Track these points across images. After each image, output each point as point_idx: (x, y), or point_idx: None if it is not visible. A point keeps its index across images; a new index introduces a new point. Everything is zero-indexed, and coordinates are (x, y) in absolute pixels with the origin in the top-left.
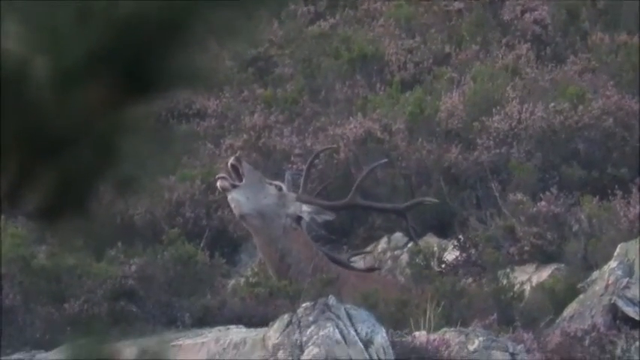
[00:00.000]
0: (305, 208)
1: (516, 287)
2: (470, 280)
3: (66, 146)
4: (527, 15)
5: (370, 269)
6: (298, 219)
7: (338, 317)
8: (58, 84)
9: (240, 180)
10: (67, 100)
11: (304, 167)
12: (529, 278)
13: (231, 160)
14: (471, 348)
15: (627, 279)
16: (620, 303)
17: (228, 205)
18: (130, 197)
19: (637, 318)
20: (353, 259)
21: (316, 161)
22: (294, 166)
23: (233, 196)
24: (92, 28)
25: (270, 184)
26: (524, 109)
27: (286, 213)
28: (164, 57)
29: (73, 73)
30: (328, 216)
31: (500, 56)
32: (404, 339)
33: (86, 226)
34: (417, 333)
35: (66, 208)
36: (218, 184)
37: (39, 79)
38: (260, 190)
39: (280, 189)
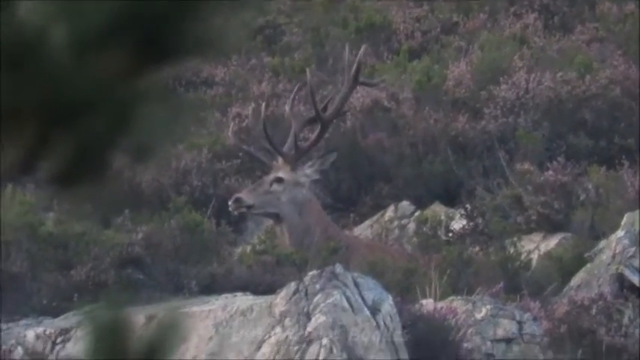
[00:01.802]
0: (307, 171)
1: (523, 256)
2: (477, 248)
3: (82, 113)
4: None
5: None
6: (306, 182)
7: (345, 285)
8: (75, 52)
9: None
10: (84, 68)
11: (311, 135)
12: (536, 247)
13: (230, 206)
14: (478, 316)
15: (634, 248)
16: (627, 272)
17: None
18: (144, 164)
19: None
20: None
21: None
22: (303, 135)
23: (256, 212)
24: None
25: (269, 181)
26: (531, 79)
27: (302, 190)
28: (178, 26)
29: (89, 41)
30: (331, 157)
31: (508, 25)
32: (411, 307)
33: (99, 192)
34: (424, 301)
35: (80, 174)
36: (235, 213)
37: (56, 47)
38: (269, 201)
39: (279, 180)
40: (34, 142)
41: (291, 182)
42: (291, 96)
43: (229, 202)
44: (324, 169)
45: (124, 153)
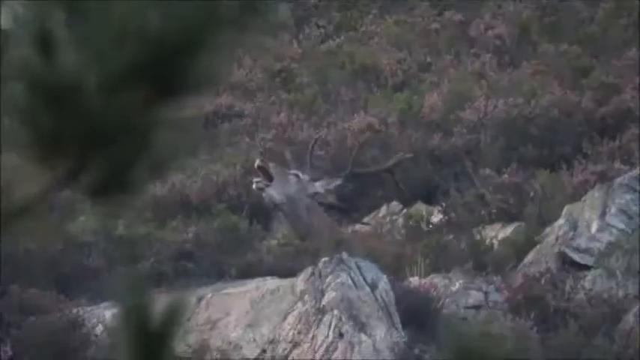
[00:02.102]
0: (318, 184)
1: (487, 241)
2: (451, 236)
3: (112, 140)
4: (489, 31)
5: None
6: (315, 194)
7: (350, 268)
8: (104, 91)
9: (267, 176)
10: (112, 104)
11: (320, 153)
12: (497, 234)
13: (257, 162)
14: (453, 289)
15: (572, 232)
16: (568, 251)
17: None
18: (161, 178)
19: (581, 262)
20: (357, 226)
21: (324, 150)
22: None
23: (268, 192)
24: (129, 45)
25: (289, 174)
26: (489, 104)
27: (306, 194)
28: (187, 67)
29: (115, 82)
30: (337, 181)
31: (469, 64)
32: (401, 283)
33: (127, 201)
34: (411, 279)
35: (112, 188)
36: (254, 186)
37: (89, 88)
38: (285, 183)
39: (298, 176)
40: (74, 163)
41: (304, 181)
42: (310, 147)
43: (257, 163)
44: (329, 188)
45: (146, 170)
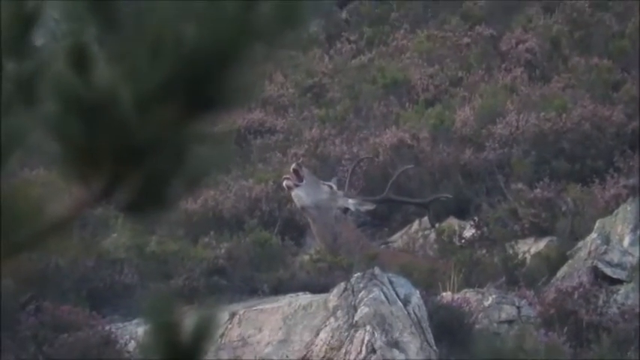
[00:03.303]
0: (351, 201)
1: (520, 256)
2: (484, 251)
3: (147, 154)
4: (520, 45)
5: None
6: (345, 210)
7: (382, 283)
8: (138, 106)
9: (301, 181)
10: (146, 119)
11: (350, 169)
12: (529, 248)
13: (293, 166)
14: (486, 304)
15: (605, 246)
16: (600, 265)
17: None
18: (194, 193)
19: (613, 276)
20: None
21: (360, 165)
22: (344, 169)
23: (296, 193)
24: (163, 60)
25: (324, 184)
26: (520, 118)
27: (336, 206)
28: (219, 82)
29: (149, 97)
30: (369, 206)
31: (501, 78)
32: (434, 298)
33: (161, 217)
34: (443, 294)
35: (147, 203)
36: (284, 183)
37: (124, 103)
38: (316, 189)
39: (331, 187)
40: (109, 177)
41: (337, 194)
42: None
43: (293, 166)
44: (361, 209)
45: (180, 184)
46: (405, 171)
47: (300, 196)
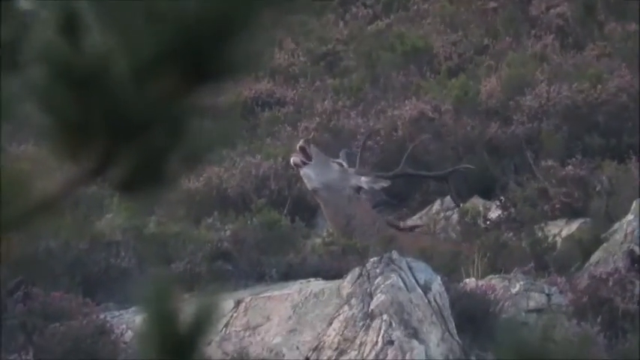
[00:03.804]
0: (363, 179)
1: (550, 239)
2: (510, 234)
3: (142, 129)
4: (551, 10)
5: (413, 227)
6: (358, 189)
7: (400, 269)
8: (134, 77)
9: (309, 160)
10: (142, 91)
11: (362, 143)
12: (560, 231)
13: (300, 143)
14: (513, 291)
15: None
16: (637, 249)
17: None
18: (194, 171)
19: None
20: (407, 223)
21: (373, 138)
22: (359, 144)
23: (305, 172)
24: (161, 27)
25: (333, 162)
26: (551, 90)
27: (348, 185)
28: (223, 51)
29: (146, 67)
30: (384, 183)
31: (530, 46)
32: (456, 285)
33: (159, 196)
34: (467, 280)
35: (142, 180)
36: (291, 160)
37: (118, 73)
38: (326, 167)
39: (342, 165)
40: (103, 153)
41: (348, 171)
42: (363, 141)
43: (299, 144)
44: (375, 187)
45: (179, 160)
46: (424, 146)
47: (309, 175)
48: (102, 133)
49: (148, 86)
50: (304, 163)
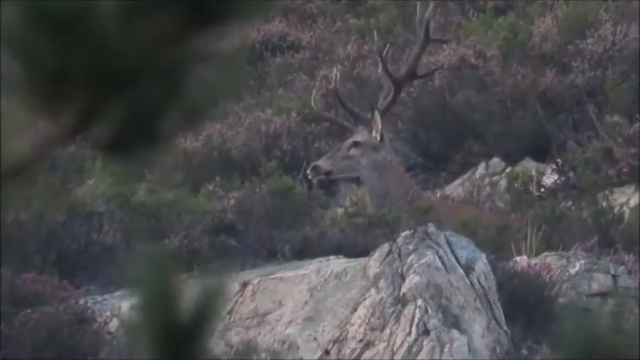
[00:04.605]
0: (387, 142)
1: (616, 209)
2: (569, 203)
3: (131, 78)
4: None
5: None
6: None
7: (438, 245)
8: (122, 18)
9: (328, 174)
10: (132, 34)
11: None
12: (628, 200)
13: (309, 177)
14: (573, 271)
15: None
16: None
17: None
18: (193, 128)
19: None
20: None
21: (405, 91)
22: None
23: (334, 178)
24: None
25: (348, 148)
26: (617, 31)
27: (376, 158)
28: None
29: (136, 7)
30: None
31: None
32: (505, 264)
33: (151, 158)
34: (517, 258)
35: (131, 139)
36: (314, 181)
37: (104, 13)
38: (348, 165)
39: (357, 143)
40: (84, 106)
41: (369, 145)
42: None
43: (307, 171)
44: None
45: (176, 114)
46: (466, 99)
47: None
48: (83, 82)
49: (138, 29)
50: (327, 174)
